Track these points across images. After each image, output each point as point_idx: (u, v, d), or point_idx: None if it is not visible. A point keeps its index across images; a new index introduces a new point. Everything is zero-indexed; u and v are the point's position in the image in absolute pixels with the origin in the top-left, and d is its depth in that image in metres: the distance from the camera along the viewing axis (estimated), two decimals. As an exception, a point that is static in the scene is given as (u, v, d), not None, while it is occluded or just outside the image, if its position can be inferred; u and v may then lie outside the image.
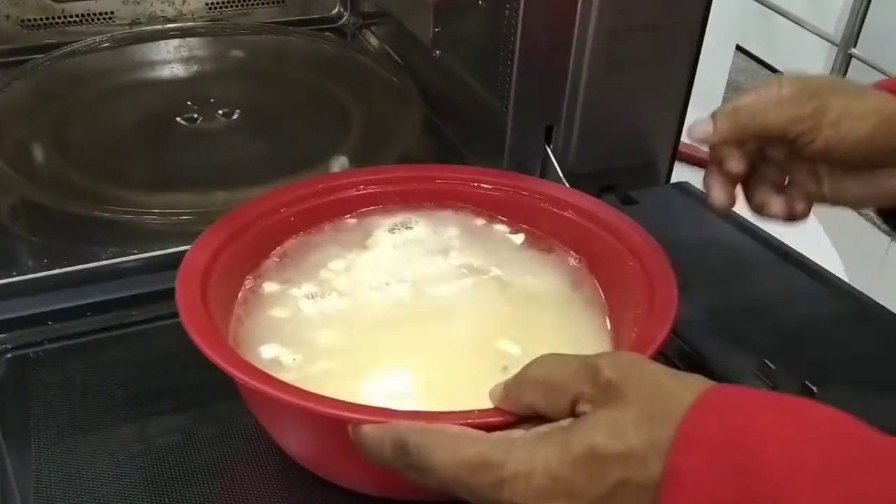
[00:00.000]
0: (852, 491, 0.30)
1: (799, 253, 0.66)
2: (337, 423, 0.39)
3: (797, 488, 0.31)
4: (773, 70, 1.96)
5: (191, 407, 0.52)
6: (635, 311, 0.49)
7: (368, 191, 0.58)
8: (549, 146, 0.71)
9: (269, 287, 0.52)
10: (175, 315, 0.61)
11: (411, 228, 0.57)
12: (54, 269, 0.61)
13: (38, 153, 0.74)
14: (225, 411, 0.50)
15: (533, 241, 0.58)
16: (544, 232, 0.58)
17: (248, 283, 0.52)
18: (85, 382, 0.54)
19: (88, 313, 0.58)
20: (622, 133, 0.72)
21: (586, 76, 0.67)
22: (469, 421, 0.38)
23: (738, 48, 1.82)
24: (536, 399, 0.37)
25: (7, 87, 0.82)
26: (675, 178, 0.77)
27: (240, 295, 0.51)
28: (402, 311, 0.51)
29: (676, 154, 0.75)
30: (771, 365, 0.52)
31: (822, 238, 0.81)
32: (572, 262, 0.56)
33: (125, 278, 0.61)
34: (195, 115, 0.79)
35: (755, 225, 0.70)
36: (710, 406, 0.33)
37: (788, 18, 1.96)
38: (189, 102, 0.80)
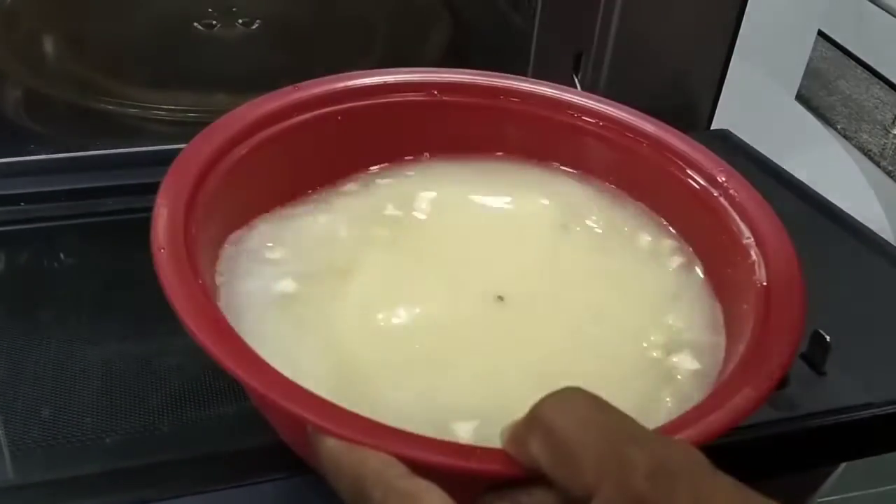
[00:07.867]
0: None
1: (850, 216, 0.60)
2: (298, 421, 0.30)
3: None
4: (859, 61, 1.83)
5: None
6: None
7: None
8: (577, 76, 0.66)
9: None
10: (146, 210, 0.58)
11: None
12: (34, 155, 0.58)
13: (49, 46, 0.73)
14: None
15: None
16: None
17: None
18: (47, 266, 0.52)
19: (62, 199, 0.56)
20: (658, 68, 0.66)
21: (622, -1, 0.61)
22: (468, 464, 0.29)
23: (822, 35, 1.72)
24: (542, 457, 0.27)
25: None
26: (716, 125, 0.71)
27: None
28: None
29: (719, 98, 0.69)
30: (826, 336, 0.45)
31: (876, 208, 0.75)
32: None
33: (104, 170, 0.58)
34: (213, 22, 0.76)
35: (805, 183, 0.64)
36: None
37: (879, 6, 1.85)
38: (210, 9, 0.77)
